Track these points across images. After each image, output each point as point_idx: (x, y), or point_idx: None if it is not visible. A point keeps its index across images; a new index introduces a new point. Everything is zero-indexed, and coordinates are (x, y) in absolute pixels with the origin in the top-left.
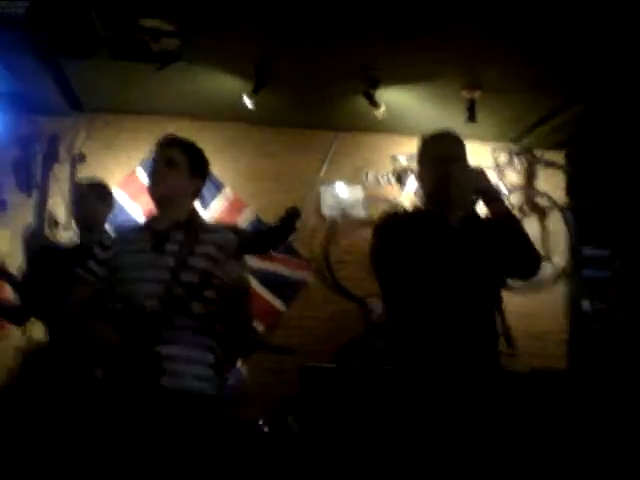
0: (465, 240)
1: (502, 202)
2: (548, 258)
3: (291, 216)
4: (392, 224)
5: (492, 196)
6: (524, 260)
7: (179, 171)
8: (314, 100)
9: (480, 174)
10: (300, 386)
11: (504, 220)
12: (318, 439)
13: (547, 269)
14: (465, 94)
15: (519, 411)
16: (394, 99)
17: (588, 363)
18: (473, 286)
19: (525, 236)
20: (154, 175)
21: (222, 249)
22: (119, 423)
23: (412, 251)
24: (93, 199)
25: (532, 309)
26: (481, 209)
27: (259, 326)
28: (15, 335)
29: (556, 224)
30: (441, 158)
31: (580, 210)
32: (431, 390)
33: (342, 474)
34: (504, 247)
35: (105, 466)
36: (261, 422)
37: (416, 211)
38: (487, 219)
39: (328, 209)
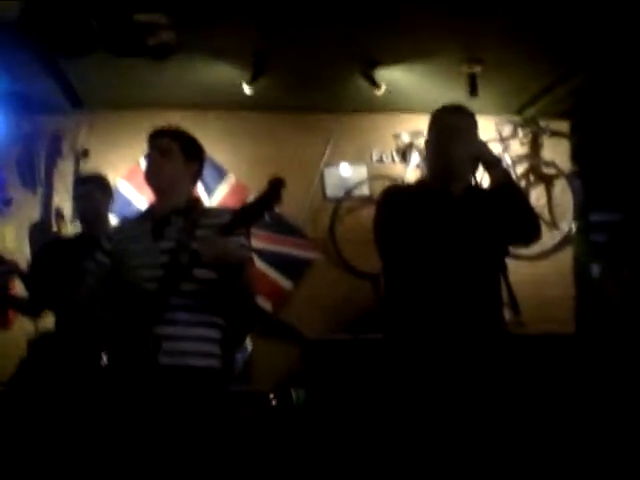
0: (468, 210)
1: (502, 168)
2: (555, 225)
3: (274, 186)
4: (395, 197)
5: (492, 162)
6: (526, 225)
7: (173, 159)
8: (313, 83)
9: (479, 142)
10: (303, 359)
11: (505, 185)
12: (322, 409)
13: (555, 236)
14: (466, 69)
15: (528, 373)
16: (394, 78)
17: (597, 327)
18: (476, 255)
19: (526, 201)
20: (149, 166)
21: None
22: (123, 405)
23: (415, 222)
24: (92, 191)
25: (540, 276)
26: (483, 179)
27: (266, 305)
28: (23, 326)
29: (562, 192)
30: (446, 129)
31: (586, 177)
32: (437, 356)
33: (347, 443)
34: (506, 214)
35: (111, 447)
36: (269, 395)
37: (419, 184)
38: (489, 189)
39: (332, 190)
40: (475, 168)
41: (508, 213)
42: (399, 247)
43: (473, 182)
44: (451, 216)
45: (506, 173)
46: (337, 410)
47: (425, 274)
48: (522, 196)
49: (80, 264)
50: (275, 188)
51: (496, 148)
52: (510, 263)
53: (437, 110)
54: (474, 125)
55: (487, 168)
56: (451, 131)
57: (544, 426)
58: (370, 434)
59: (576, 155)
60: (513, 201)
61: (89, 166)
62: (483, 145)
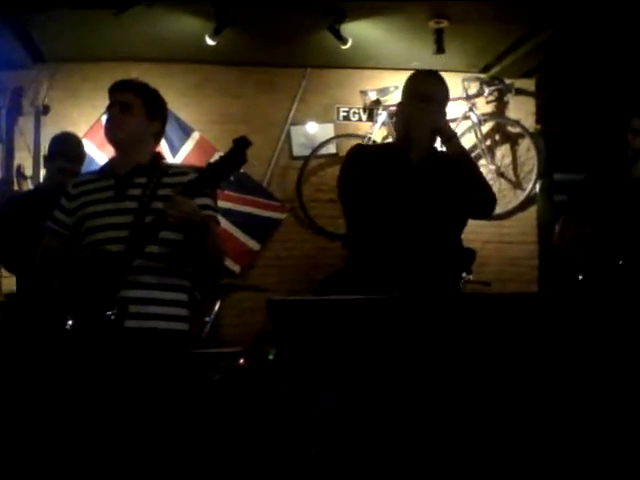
0: (423, 178)
1: (457, 143)
2: (520, 185)
3: (240, 146)
4: (360, 155)
5: (447, 136)
6: (479, 199)
7: (135, 114)
8: (279, 37)
9: (440, 114)
10: (271, 319)
11: (459, 161)
12: (291, 369)
13: (519, 195)
14: (433, 25)
15: (491, 333)
16: (361, 32)
17: (559, 286)
18: (429, 223)
19: (480, 177)
20: (110, 121)
21: None
22: (87, 367)
23: (372, 185)
24: (78, 171)
25: (505, 236)
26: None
27: (235, 267)
28: None
29: (527, 151)
30: (415, 96)
31: (551, 136)
32: (403, 315)
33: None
34: (462, 186)
35: (75, 411)
36: (238, 355)
37: (385, 146)
38: (449, 159)
39: (299, 148)
40: (434, 139)
41: (462, 186)
42: (355, 207)
43: (433, 151)
44: (406, 183)
45: (461, 149)
46: (303, 368)
47: (377, 236)
48: (476, 172)
49: (39, 223)
50: (240, 148)
51: (462, 106)
52: (474, 223)
53: (412, 74)
54: (443, 93)
55: (443, 142)
56: (418, 98)
57: (505, 385)
58: (339, 397)
59: (541, 114)
60: (467, 176)
61: (50, 122)
62: (442, 118)
